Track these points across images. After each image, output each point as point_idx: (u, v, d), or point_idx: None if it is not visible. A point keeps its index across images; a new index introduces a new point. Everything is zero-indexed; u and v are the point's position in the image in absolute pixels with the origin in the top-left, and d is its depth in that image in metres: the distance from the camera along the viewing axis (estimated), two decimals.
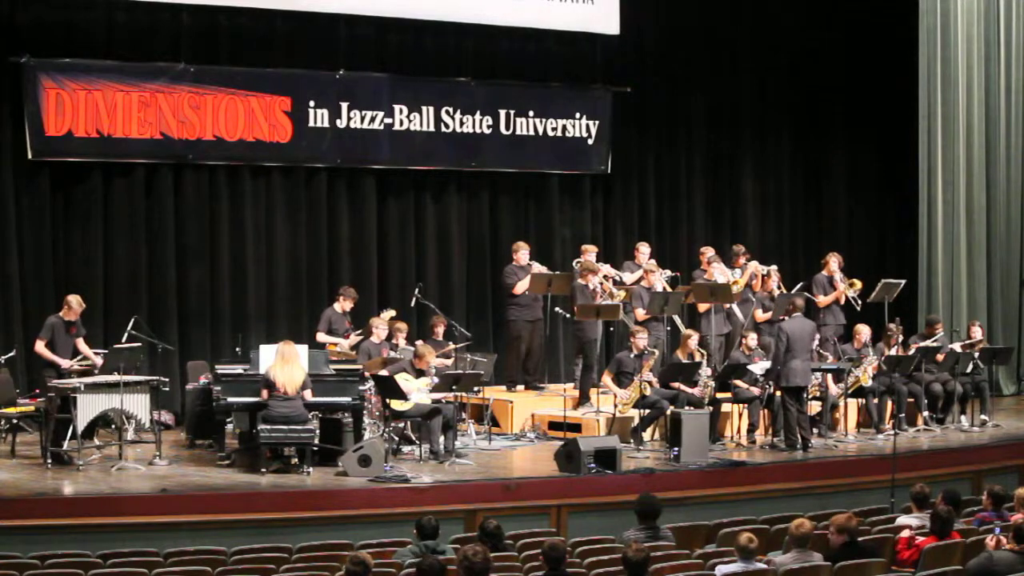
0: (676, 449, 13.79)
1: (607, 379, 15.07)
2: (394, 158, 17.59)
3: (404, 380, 13.66)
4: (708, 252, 16.95)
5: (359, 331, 15.32)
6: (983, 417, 16.44)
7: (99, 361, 13.93)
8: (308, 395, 13.09)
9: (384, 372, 13.87)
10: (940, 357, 16.36)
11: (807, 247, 20.06)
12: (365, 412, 13.96)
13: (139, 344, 14.43)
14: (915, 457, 14.39)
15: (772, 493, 13.43)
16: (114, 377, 13.27)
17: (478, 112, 17.98)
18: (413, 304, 16.57)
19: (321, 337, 15.30)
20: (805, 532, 9.51)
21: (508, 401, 15.86)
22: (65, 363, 13.78)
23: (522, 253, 16.46)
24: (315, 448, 13.28)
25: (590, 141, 18.71)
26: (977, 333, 17.05)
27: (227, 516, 11.77)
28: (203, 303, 16.66)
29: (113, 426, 14.27)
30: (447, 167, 18.01)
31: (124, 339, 14.51)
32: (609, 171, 18.96)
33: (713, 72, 19.69)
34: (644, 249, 16.79)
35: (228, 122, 16.58)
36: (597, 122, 18.71)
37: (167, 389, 14.54)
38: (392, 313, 15.66)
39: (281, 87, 16.84)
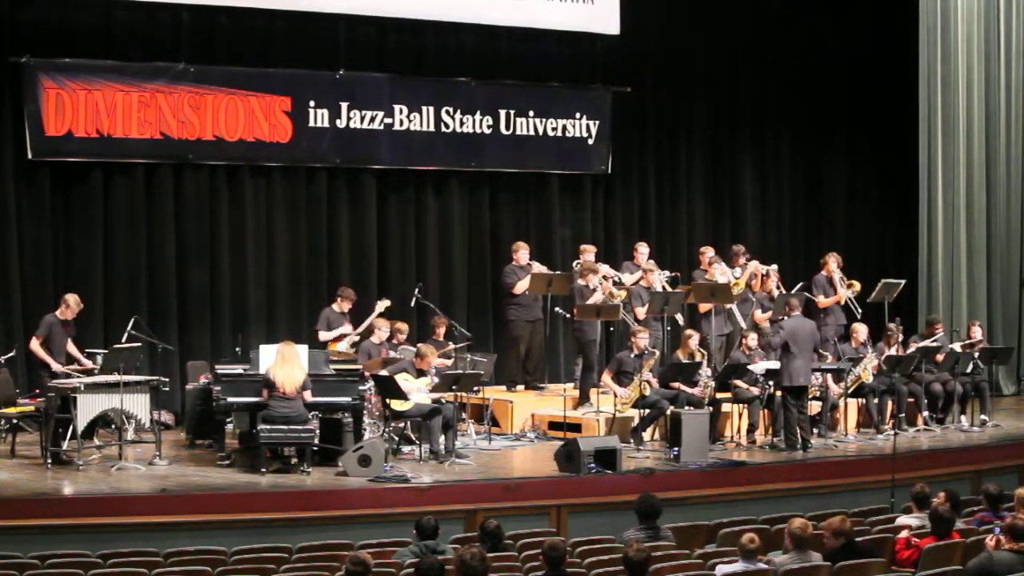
0: (676, 449, 13.79)
1: (607, 377, 15.07)
2: (394, 158, 17.59)
3: (404, 380, 13.66)
4: (708, 252, 16.95)
5: (358, 331, 15.33)
6: (983, 417, 16.44)
7: (89, 364, 13.94)
8: (308, 395, 13.08)
9: (384, 372, 13.88)
10: (940, 357, 16.35)
11: (807, 247, 20.07)
12: (365, 412, 13.96)
13: (139, 344, 14.42)
14: (915, 457, 14.39)
15: (772, 493, 13.43)
16: (114, 377, 13.27)
17: (478, 112, 17.98)
18: (413, 304, 16.56)
19: (323, 335, 15.30)
20: (804, 532, 9.51)
21: (508, 401, 15.86)
22: (57, 366, 13.80)
23: (522, 253, 16.46)
24: (315, 448, 13.28)
25: (590, 141, 18.71)
26: (977, 333, 17.05)
27: (227, 516, 11.77)
28: (203, 303, 16.66)
29: (113, 426, 14.26)
30: (447, 167, 18.01)
31: (124, 339, 14.50)
32: (609, 171, 18.96)
33: (713, 72, 19.69)
34: (643, 249, 16.79)
35: (228, 122, 16.58)
36: (597, 122, 18.71)
37: (167, 389, 14.55)
38: (387, 303, 15.62)
39: (281, 87, 16.84)
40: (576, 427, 14.94)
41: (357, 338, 15.24)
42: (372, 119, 17.34)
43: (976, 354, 16.64)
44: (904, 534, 10.32)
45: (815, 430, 15.05)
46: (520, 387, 16.51)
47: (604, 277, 16.06)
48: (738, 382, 15.05)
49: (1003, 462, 14.87)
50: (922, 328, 17.30)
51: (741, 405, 15.22)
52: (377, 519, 12.06)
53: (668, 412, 14.33)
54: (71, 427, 13.13)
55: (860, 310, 16.68)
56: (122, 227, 16.31)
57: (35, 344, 13.91)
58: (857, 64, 20.18)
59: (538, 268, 16.32)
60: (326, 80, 17.14)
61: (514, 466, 14.08)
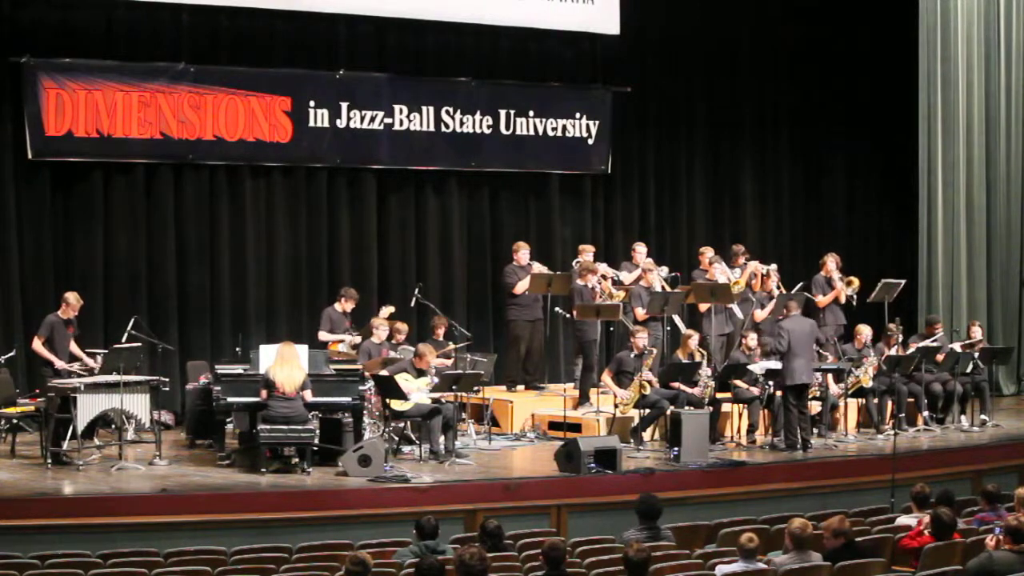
0: (676, 449, 13.79)
1: (607, 378, 15.06)
2: (394, 158, 17.59)
3: (404, 380, 13.66)
4: (708, 252, 16.95)
5: (359, 331, 15.33)
6: (983, 417, 16.44)
7: (91, 362, 13.95)
8: (308, 395, 13.09)
9: (384, 372, 13.88)
10: (940, 357, 16.35)
11: (807, 247, 20.04)
12: (365, 412, 13.96)
13: (139, 344, 14.43)
14: (915, 457, 14.39)
15: (772, 493, 13.43)
16: (114, 377, 13.28)
17: (478, 112, 17.98)
18: (413, 304, 16.57)
19: (323, 336, 15.30)
20: (804, 532, 9.51)
21: (508, 401, 15.86)
22: (61, 364, 13.84)
23: (522, 253, 16.47)
24: (315, 448, 13.28)
25: (590, 141, 18.71)
26: (977, 333, 17.04)
27: (227, 516, 11.77)
28: (203, 303, 16.66)
29: (113, 426, 14.27)
30: (447, 167, 18.01)
31: (124, 339, 14.51)
32: (609, 171, 18.96)
33: (713, 72, 19.68)
34: (641, 249, 16.78)
35: (228, 122, 16.57)
36: (597, 122, 18.71)
37: (167, 389, 14.56)
38: (391, 310, 15.65)
39: (281, 87, 16.84)
40: (576, 427, 14.94)
41: (358, 339, 15.24)
42: (372, 119, 17.34)
43: (976, 354, 16.64)
44: (918, 519, 10.37)
45: (815, 430, 15.05)
46: (520, 387, 16.51)
47: (603, 276, 16.06)
48: (738, 382, 15.05)
49: (1003, 462, 14.88)
50: (922, 328, 17.30)
51: (741, 405, 15.22)
52: (377, 519, 12.05)
53: (668, 412, 14.33)
54: (71, 427, 13.13)
55: (858, 302, 16.65)
56: (122, 227, 16.30)
57: (37, 344, 13.94)
58: (857, 64, 20.18)
59: (538, 268, 16.31)
60: (326, 80, 17.14)
61: (514, 466, 14.09)
